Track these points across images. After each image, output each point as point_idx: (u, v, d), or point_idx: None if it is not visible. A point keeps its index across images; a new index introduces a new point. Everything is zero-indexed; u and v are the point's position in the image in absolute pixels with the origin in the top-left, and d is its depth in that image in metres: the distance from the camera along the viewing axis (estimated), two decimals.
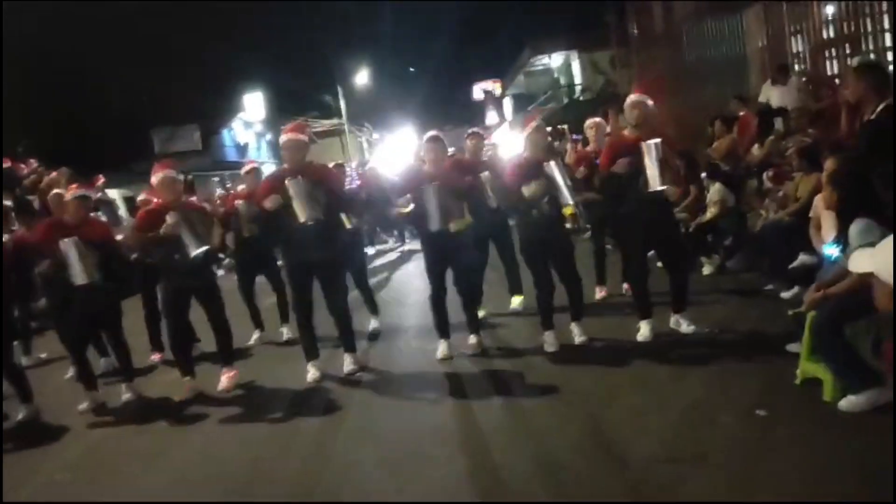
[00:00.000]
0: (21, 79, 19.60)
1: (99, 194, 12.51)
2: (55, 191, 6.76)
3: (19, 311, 7.67)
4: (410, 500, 3.32)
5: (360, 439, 4.19)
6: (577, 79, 28.96)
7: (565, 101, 28.39)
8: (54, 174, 11.22)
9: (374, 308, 6.96)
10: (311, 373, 5.46)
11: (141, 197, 7.66)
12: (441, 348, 5.56)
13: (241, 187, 8.78)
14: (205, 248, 5.35)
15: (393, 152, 29.54)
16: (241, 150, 34.74)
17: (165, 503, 3.75)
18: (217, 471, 4.06)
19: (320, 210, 5.18)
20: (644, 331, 5.24)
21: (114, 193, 14.23)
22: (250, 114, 35.01)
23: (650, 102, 5.20)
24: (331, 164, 7.89)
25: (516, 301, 6.85)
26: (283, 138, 5.48)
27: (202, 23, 27.66)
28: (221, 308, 5.66)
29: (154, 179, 5.56)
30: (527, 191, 5.15)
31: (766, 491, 2.92)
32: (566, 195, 5.14)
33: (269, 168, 29.16)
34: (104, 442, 4.93)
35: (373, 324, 6.87)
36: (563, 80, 31.07)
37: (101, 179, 13.28)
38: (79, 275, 5.33)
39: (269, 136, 36.63)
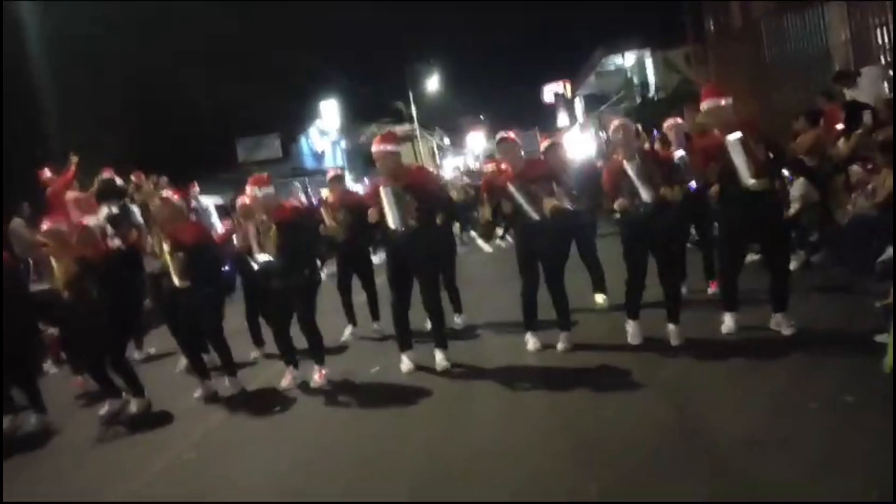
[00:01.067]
0: (112, 90, 20.76)
1: (194, 202, 13.29)
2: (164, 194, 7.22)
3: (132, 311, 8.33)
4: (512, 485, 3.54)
5: (457, 431, 4.44)
6: (651, 78, 28.58)
7: (639, 100, 28.02)
8: (155, 182, 11.95)
9: (458, 306, 7.22)
10: (405, 363, 5.78)
11: (240, 203, 8.14)
12: (531, 341, 5.78)
13: (324, 192, 9.20)
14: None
15: (463, 156, 29.91)
16: (318, 157, 35.73)
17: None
18: (326, 455, 4.41)
19: (407, 217, 5.48)
20: (728, 323, 5.27)
21: (206, 200, 15.01)
22: (326, 121, 35.98)
23: (723, 101, 5.16)
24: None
25: (599, 299, 6.98)
26: (374, 149, 5.77)
27: (280, 33, 28.71)
28: (311, 309, 5.94)
29: (253, 193, 5.95)
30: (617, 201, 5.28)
31: (850, 472, 3.02)
32: (644, 192, 5.18)
33: (347, 175, 30.01)
34: (222, 427, 5.37)
35: (457, 321, 7.13)
36: (636, 80, 30.66)
37: (196, 187, 14.05)
38: (175, 277, 5.83)
39: (343, 144, 37.53)
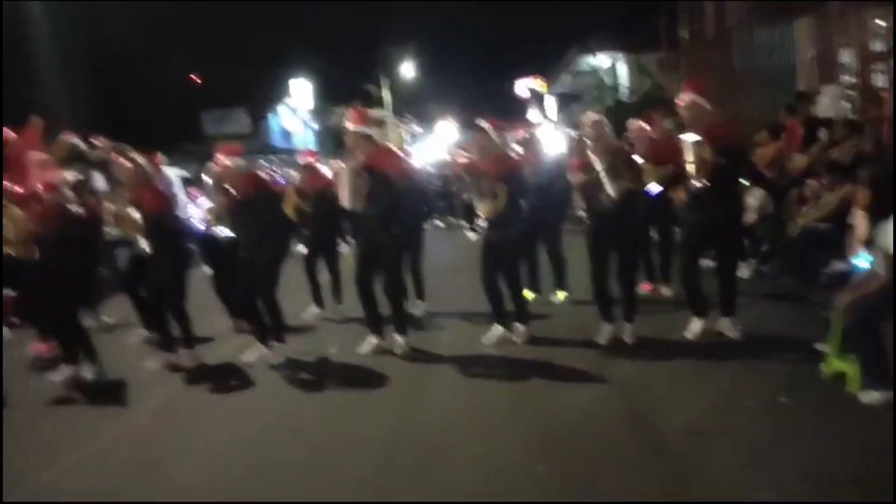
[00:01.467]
0: (76, 60, 20.32)
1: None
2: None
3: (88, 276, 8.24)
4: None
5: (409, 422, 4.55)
6: (624, 80, 28.90)
7: (610, 102, 28.33)
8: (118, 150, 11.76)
9: (421, 293, 7.29)
10: (367, 346, 5.87)
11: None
12: (494, 332, 5.83)
13: (292, 172, 9.17)
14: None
15: (433, 144, 29.95)
16: (288, 136, 35.39)
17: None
18: (282, 428, 4.50)
19: (361, 200, 5.57)
20: (694, 327, 5.37)
21: (170, 172, 14.79)
22: (296, 100, 35.63)
23: (703, 103, 5.24)
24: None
25: (560, 295, 7.12)
26: (350, 128, 5.79)
27: (251, 7, 28.35)
28: (272, 284, 5.95)
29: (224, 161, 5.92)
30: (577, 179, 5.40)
31: (778, 462, 3.24)
32: (609, 189, 5.28)
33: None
34: (177, 397, 5.39)
35: (419, 307, 7.20)
36: (608, 82, 31.01)
37: (160, 157, 13.84)
38: (145, 245, 5.79)
39: (316, 125, 37.23)
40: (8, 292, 8.56)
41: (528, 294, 6.96)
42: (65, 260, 5.83)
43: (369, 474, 3.69)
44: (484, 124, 5.77)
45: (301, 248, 8.01)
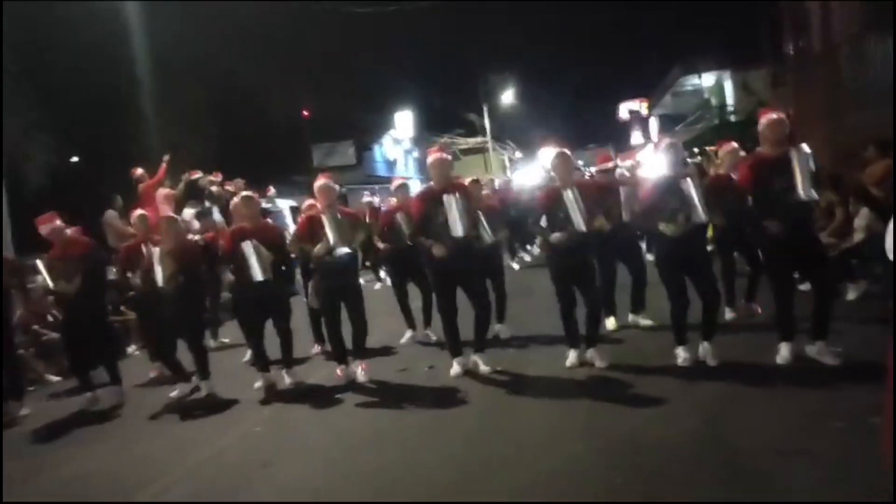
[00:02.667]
0: (194, 97, 21.90)
1: (269, 204, 14.00)
2: (237, 197, 7.64)
3: (210, 303, 8.97)
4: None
5: (489, 434, 4.73)
6: (729, 99, 28.15)
7: (716, 121, 27.62)
8: (233, 184, 12.67)
9: (502, 316, 7.39)
10: (455, 368, 6.05)
11: (306, 204, 8.62)
12: (571, 357, 5.89)
13: (392, 200, 9.63)
14: (345, 249, 6.04)
15: (534, 170, 30.13)
16: (390, 165, 36.56)
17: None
18: (372, 439, 4.81)
19: (469, 225, 5.82)
20: (784, 353, 5.24)
21: (281, 203, 15.74)
22: (400, 131, 36.81)
23: (775, 115, 5.23)
24: (467, 181, 8.44)
25: (610, 323, 7.06)
26: (431, 159, 6.09)
27: (357, 43, 29.61)
28: (361, 306, 6.26)
29: (315, 185, 6.35)
30: (661, 207, 5.38)
31: (863, 483, 3.19)
32: (700, 212, 5.28)
33: (414, 183, 30.71)
34: (284, 410, 5.85)
35: (501, 331, 7.33)
36: (713, 101, 30.23)
37: (271, 190, 14.77)
38: (256, 272, 6.18)
39: (416, 153, 38.24)
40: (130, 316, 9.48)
41: (611, 321, 7.04)
42: (192, 285, 6.44)
43: (450, 479, 3.93)
44: (562, 149, 5.91)
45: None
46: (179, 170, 12.05)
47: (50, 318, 9.14)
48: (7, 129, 11.55)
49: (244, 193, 6.71)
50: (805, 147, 5.11)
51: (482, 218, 6.66)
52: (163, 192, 11.19)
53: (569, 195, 5.61)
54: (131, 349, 9.79)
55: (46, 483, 4.79)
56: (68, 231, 7.00)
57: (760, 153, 5.41)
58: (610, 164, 7.61)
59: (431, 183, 6.18)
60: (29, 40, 15.12)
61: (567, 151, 5.91)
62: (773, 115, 5.23)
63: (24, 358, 8.47)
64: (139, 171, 10.96)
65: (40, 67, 16.11)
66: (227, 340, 8.84)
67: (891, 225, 1.89)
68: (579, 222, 5.57)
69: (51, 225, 6.76)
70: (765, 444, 3.83)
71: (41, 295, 8.93)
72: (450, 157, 6.22)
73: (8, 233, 10.48)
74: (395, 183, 8.49)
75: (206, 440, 5.20)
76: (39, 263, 6.59)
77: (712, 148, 18.64)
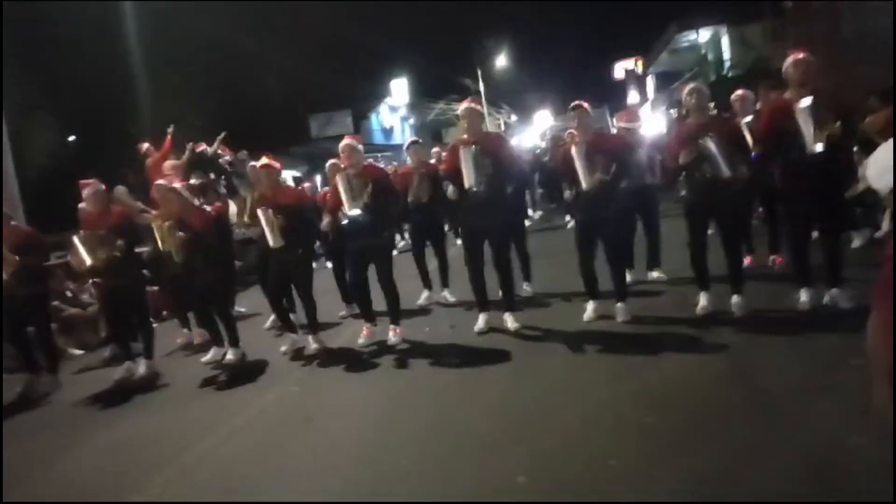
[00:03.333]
0: (196, 70, 21.81)
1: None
2: (252, 163, 7.71)
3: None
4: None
5: (523, 385, 4.91)
6: (727, 54, 27.99)
7: (713, 77, 27.51)
8: (238, 154, 12.71)
9: (528, 274, 7.58)
10: (480, 323, 6.18)
11: (329, 163, 8.55)
12: (589, 310, 6.04)
13: (390, 167, 9.73)
14: (356, 210, 6.08)
15: (529, 133, 30.19)
16: (387, 132, 36.47)
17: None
18: (407, 399, 5.00)
19: (482, 180, 5.80)
20: (803, 298, 5.35)
21: (284, 174, 15.79)
22: (396, 98, 36.63)
23: (803, 55, 5.17)
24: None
25: (655, 273, 7.24)
26: (462, 107, 6.17)
27: (351, 11, 29.33)
28: (389, 270, 6.36)
29: (342, 144, 6.41)
30: (682, 159, 5.42)
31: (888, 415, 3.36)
32: (723, 168, 5.26)
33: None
34: (315, 371, 6.02)
35: (526, 289, 7.49)
36: (710, 56, 30.06)
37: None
38: (271, 239, 6.31)
39: (412, 120, 38.13)
40: (153, 288, 9.64)
41: (659, 273, 7.19)
42: (213, 255, 6.59)
43: (490, 427, 4.12)
44: (583, 104, 5.94)
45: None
46: (182, 144, 12.09)
47: (69, 294, 9.29)
48: (7, 110, 11.55)
49: (262, 161, 6.78)
50: (805, 100, 5.03)
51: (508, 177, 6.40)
52: (169, 163, 11.26)
53: (579, 151, 5.67)
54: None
55: (94, 448, 4.98)
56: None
57: (782, 98, 5.41)
58: (635, 124, 7.52)
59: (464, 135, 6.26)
60: (29, 21, 15.02)
61: (585, 104, 5.91)
62: (799, 55, 5.20)
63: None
64: (146, 145, 11.01)
65: (40, 47, 16.03)
66: (243, 310, 8.99)
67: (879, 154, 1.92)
68: (584, 179, 5.66)
69: (93, 189, 6.79)
70: (789, 383, 4.02)
71: (60, 272, 9.09)
72: (479, 107, 6.27)
73: (20, 211, 10.55)
74: (407, 143, 8.52)
75: (247, 401, 5.40)
76: (76, 239, 6.65)
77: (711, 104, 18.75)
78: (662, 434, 3.68)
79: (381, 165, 13.02)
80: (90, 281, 7.99)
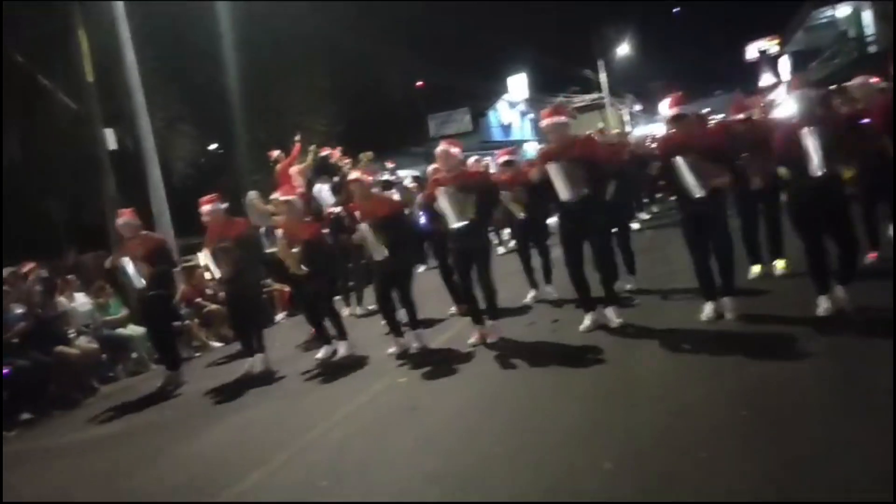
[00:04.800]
0: (314, 79, 22.82)
1: (393, 176, 14.61)
2: (353, 177, 7.69)
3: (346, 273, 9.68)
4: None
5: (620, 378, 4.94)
6: (869, 30, 25.95)
7: (854, 55, 25.59)
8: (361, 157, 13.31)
9: (632, 269, 7.51)
10: (586, 322, 6.16)
11: (430, 169, 8.77)
12: (707, 309, 5.79)
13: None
14: (462, 222, 6.17)
15: (655, 125, 29.30)
16: (506, 129, 36.61)
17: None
18: (499, 397, 5.14)
19: (580, 187, 5.82)
20: (823, 305, 5.13)
21: (402, 174, 16.36)
22: (514, 94, 36.72)
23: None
24: (591, 132, 8.28)
25: (780, 265, 6.87)
26: (544, 123, 6.16)
27: (468, 8, 29.70)
28: (487, 268, 6.36)
29: (438, 149, 6.54)
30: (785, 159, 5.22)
31: None
32: (815, 164, 5.02)
33: (532, 145, 30.62)
34: (422, 365, 6.28)
35: (630, 283, 7.40)
36: (851, 33, 27.98)
37: (392, 163, 15.44)
38: (374, 252, 6.55)
39: (531, 115, 38.04)
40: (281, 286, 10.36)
41: (781, 264, 6.84)
42: (325, 258, 7.15)
43: (581, 417, 4.23)
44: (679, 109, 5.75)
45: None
46: (305, 149, 12.81)
47: (209, 291, 10.16)
48: (155, 122, 12.72)
49: (353, 176, 7.10)
50: None
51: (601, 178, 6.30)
52: (294, 168, 12.01)
53: (679, 162, 5.48)
54: (280, 317, 10.71)
55: (220, 432, 5.57)
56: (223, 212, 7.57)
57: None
58: (744, 115, 7.01)
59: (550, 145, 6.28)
60: (163, 34, 16.36)
61: (681, 112, 5.75)
62: None
63: (190, 328, 9.54)
64: (277, 152, 11.79)
65: (176, 61, 17.44)
66: (371, 307, 9.35)
67: None
68: (694, 188, 5.48)
69: (212, 206, 7.31)
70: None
71: (200, 272, 9.96)
72: (563, 118, 6.16)
73: (167, 216, 11.60)
74: (500, 159, 8.39)
75: (357, 391, 5.81)
76: (201, 256, 7.28)
77: (850, 84, 17.49)
78: (755, 427, 3.65)
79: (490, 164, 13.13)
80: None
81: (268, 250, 9.09)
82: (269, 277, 10.57)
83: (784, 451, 3.33)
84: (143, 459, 5.20)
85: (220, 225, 7.38)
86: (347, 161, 12.64)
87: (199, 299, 10.06)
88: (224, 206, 7.60)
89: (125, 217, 7.54)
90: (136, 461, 5.21)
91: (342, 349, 7.10)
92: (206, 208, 7.32)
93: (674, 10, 47.40)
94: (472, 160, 10.53)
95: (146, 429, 6.13)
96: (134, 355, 8.80)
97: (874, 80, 6.89)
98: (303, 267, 6.96)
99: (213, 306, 9.96)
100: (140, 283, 7.27)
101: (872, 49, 23.84)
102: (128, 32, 11.36)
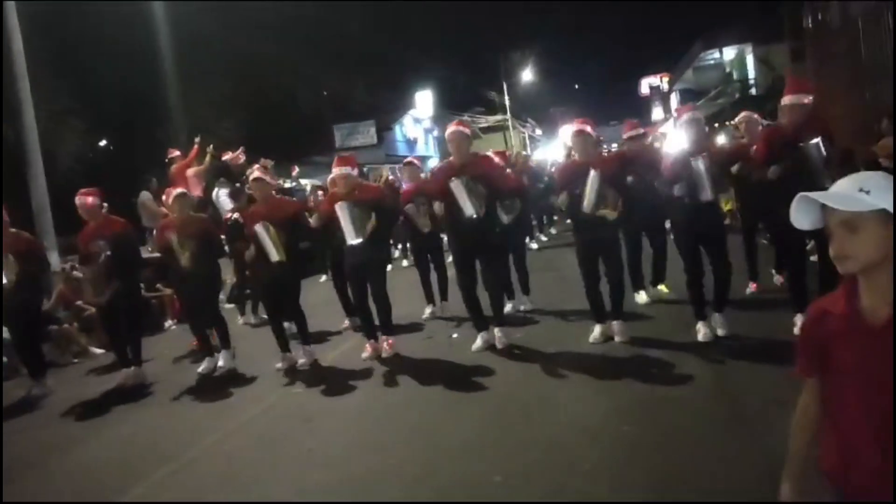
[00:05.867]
0: (223, 80, 22.28)
1: (294, 184, 14.42)
2: (255, 176, 7.44)
3: (238, 281, 9.41)
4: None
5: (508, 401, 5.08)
6: (751, 73, 27.99)
7: (737, 96, 27.50)
8: (259, 165, 13.05)
9: (526, 289, 7.62)
10: (478, 342, 6.19)
11: (329, 179, 8.51)
12: (595, 332, 5.98)
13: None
14: (359, 239, 6.09)
15: (553, 147, 30.38)
16: (411, 144, 36.80)
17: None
18: (390, 412, 5.22)
19: (481, 204, 5.84)
20: (800, 324, 5.39)
21: (305, 182, 16.15)
22: (420, 110, 37.00)
23: (806, 100, 5.28)
24: (492, 151, 8.45)
25: (663, 289, 7.25)
26: (448, 132, 6.19)
27: (378, 24, 29.80)
28: (381, 283, 6.35)
29: (334, 171, 6.49)
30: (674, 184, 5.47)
31: None
32: (707, 191, 5.37)
33: (433, 161, 30.89)
34: (316, 375, 6.24)
35: (524, 303, 7.55)
36: (735, 75, 30.08)
37: (296, 170, 15.24)
38: (272, 253, 6.26)
39: (436, 132, 38.44)
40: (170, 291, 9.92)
41: (664, 288, 7.18)
42: (208, 261, 6.78)
43: (470, 432, 4.31)
44: (584, 127, 5.91)
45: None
46: (205, 152, 12.42)
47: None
48: (39, 114, 11.98)
49: (255, 175, 6.77)
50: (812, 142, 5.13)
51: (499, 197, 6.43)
52: (191, 170, 11.63)
53: (590, 174, 5.63)
54: (168, 324, 10.27)
55: (100, 444, 5.26)
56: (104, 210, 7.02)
57: (778, 125, 5.54)
58: (640, 131, 7.45)
59: (451, 158, 6.24)
60: (61, 29, 15.55)
61: (587, 129, 5.90)
62: (798, 98, 5.30)
63: (68, 332, 8.98)
64: (176, 152, 11.38)
65: (72, 55, 16.56)
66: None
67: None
68: (590, 204, 5.63)
69: (86, 199, 6.80)
70: (768, 396, 4.06)
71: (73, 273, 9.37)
72: (467, 130, 6.24)
73: (48, 214, 10.94)
74: (405, 161, 8.49)
75: (250, 401, 5.71)
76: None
77: (733, 122, 18.80)
78: (643, 441, 3.86)
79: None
80: None
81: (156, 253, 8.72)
82: (159, 282, 10.16)
83: (664, 461, 3.55)
84: (14, 472, 4.84)
85: (98, 222, 6.87)
86: (253, 167, 12.38)
87: (79, 302, 9.50)
88: (96, 201, 6.90)
89: None
90: (6, 473, 4.83)
91: (223, 360, 6.73)
92: (79, 201, 6.76)
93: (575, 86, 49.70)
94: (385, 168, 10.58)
95: (16, 440, 5.68)
96: (4, 359, 8.19)
97: (756, 115, 7.51)
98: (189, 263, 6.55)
99: (94, 310, 9.43)
100: (4, 283, 6.66)
101: (753, 91, 25.64)
102: (15, 18, 10.69)
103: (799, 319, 5.29)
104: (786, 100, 5.35)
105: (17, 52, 10.68)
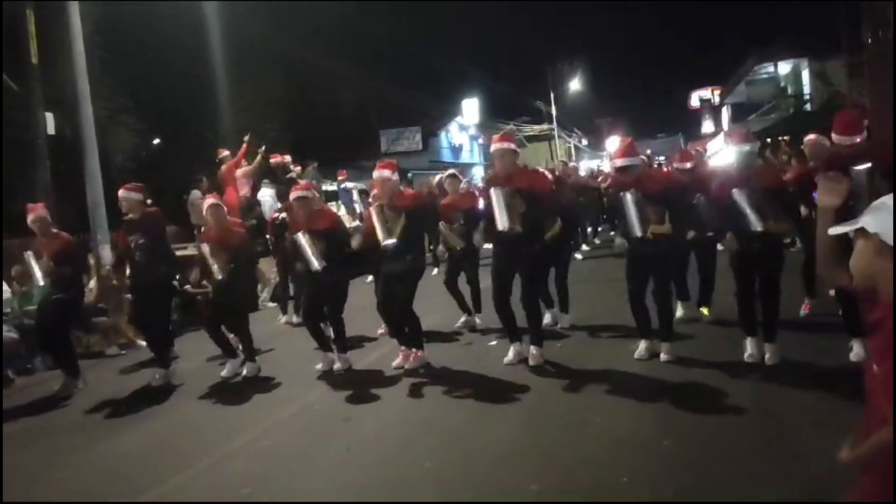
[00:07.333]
0: (269, 85, 22.65)
1: (342, 186, 14.61)
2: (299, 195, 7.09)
3: (281, 280, 9.56)
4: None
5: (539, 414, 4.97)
6: (806, 88, 27.34)
7: (791, 111, 26.87)
8: (307, 168, 13.27)
9: (566, 306, 7.46)
10: (510, 355, 6.10)
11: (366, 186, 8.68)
12: (641, 348, 5.87)
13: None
14: (391, 241, 6.07)
15: (601, 158, 30.18)
16: (456, 151, 36.93)
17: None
18: (417, 421, 5.24)
19: (515, 220, 5.74)
20: (856, 350, 5.07)
21: (350, 185, 16.32)
22: (466, 118, 37.12)
23: (858, 139, 5.14)
24: (542, 168, 8.33)
25: (704, 312, 7.03)
26: (493, 147, 6.20)
27: (428, 31, 30.05)
28: (409, 299, 6.24)
29: (374, 174, 6.49)
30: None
31: None
32: (752, 222, 5.16)
33: (478, 169, 30.92)
34: (351, 378, 6.31)
35: (562, 321, 7.38)
36: (790, 90, 29.41)
37: (344, 174, 15.41)
38: (313, 262, 6.31)
39: (481, 140, 38.51)
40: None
41: (705, 311, 6.98)
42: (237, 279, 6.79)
43: (506, 439, 4.30)
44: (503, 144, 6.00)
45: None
46: (255, 153, 12.66)
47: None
48: (97, 112, 12.33)
49: (297, 194, 6.67)
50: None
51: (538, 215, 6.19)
52: (240, 170, 11.88)
53: (627, 199, 5.58)
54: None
55: (141, 434, 5.40)
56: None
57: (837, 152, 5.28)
58: (688, 164, 7.22)
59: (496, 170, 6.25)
60: (116, 29, 16.02)
61: (505, 145, 6.03)
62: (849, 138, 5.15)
63: (114, 324, 9.21)
64: (225, 152, 11.63)
65: (129, 54, 17.04)
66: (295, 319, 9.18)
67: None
68: (635, 227, 5.56)
69: (35, 213, 6.87)
70: (809, 420, 4.06)
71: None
72: (513, 146, 6.21)
73: (102, 210, 11.23)
74: (446, 174, 8.39)
75: (289, 400, 5.78)
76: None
77: (784, 139, 18.32)
78: (677, 456, 3.81)
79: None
80: None
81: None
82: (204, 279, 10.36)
83: (700, 477, 3.52)
84: (60, 457, 5.01)
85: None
86: (297, 168, 12.60)
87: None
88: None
89: (35, 213, 6.95)
90: (53, 458, 5.01)
91: (246, 370, 6.71)
92: (125, 195, 6.82)
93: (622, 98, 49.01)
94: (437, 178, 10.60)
95: (62, 426, 5.86)
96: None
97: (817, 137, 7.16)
98: (220, 275, 6.62)
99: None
100: (40, 281, 6.87)
101: (808, 107, 25.02)
102: (78, 18, 11.07)
103: (856, 345, 5.13)
104: (836, 138, 5.22)
105: (79, 52, 11.04)
